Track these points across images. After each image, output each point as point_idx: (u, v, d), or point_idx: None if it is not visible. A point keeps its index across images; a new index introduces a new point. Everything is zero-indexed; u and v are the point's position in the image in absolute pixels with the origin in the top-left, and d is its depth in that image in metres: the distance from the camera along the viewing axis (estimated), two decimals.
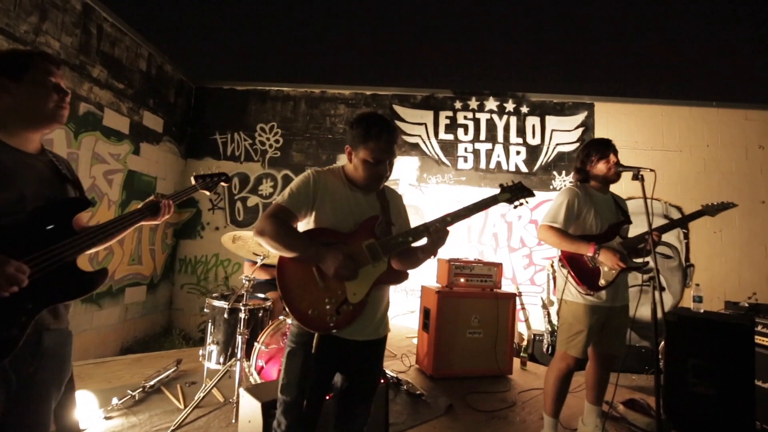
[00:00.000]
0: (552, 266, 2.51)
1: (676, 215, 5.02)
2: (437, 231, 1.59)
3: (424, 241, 1.63)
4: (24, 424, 1.19)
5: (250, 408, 2.01)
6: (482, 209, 1.71)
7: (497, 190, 1.82)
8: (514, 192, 1.81)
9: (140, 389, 2.87)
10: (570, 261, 2.35)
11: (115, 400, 2.67)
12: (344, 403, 1.65)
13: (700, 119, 5.23)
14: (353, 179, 1.64)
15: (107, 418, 2.55)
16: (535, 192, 1.91)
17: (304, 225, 1.62)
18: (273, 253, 1.60)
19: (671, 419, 2.88)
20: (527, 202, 1.85)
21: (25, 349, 1.09)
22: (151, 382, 2.98)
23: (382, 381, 2.28)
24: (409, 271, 1.71)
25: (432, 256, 1.66)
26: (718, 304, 4.47)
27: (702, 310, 3.13)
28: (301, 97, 5.70)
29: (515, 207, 1.85)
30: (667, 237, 5.04)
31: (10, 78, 1.20)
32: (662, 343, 3.20)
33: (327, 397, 1.65)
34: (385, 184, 1.76)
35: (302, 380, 1.52)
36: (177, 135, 5.46)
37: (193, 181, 1.88)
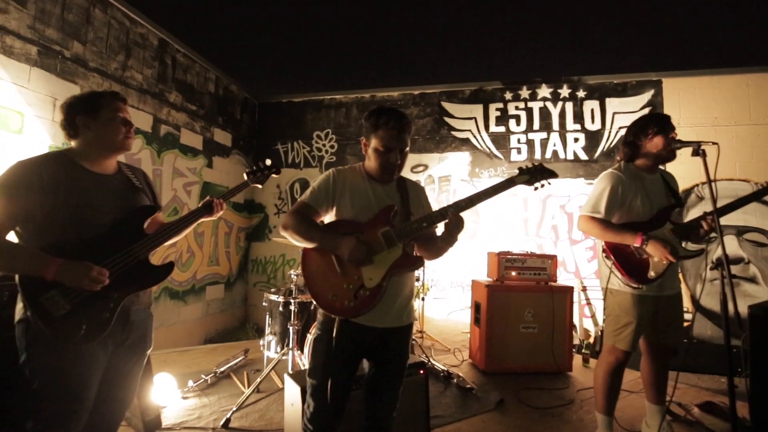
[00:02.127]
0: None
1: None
2: (453, 217, 1.60)
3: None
4: (119, 377, 1.53)
5: (292, 392, 2.14)
6: (499, 192, 1.69)
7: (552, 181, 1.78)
8: (533, 174, 1.76)
9: (212, 374, 3.24)
10: (615, 251, 2.16)
11: (190, 383, 3.06)
12: (372, 389, 1.71)
13: None
14: (370, 172, 1.71)
15: (184, 398, 2.92)
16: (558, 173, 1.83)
17: (327, 219, 1.72)
18: (297, 245, 1.73)
19: (760, 427, 2.55)
20: (549, 184, 1.78)
21: (118, 322, 1.44)
22: (222, 369, 3.35)
23: (422, 372, 2.29)
24: (436, 259, 1.75)
25: (452, 243, 1.67)
26: None
27: None
28: (352, 102, 5.95)
29: (536, 189, 1.79)
30: (759, 221, 4.43)
31: (88, 116, 1.48)
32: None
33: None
34: (409, 179, 1.82)
35: (327, 364, 1.61)
36: (244, 147, 6.02)
37: (245, 177, 2.01)
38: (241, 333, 5.51)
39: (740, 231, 4.46)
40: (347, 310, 1.57)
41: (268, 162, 2.06)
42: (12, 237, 1.39)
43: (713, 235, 2.03)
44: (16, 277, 1.32)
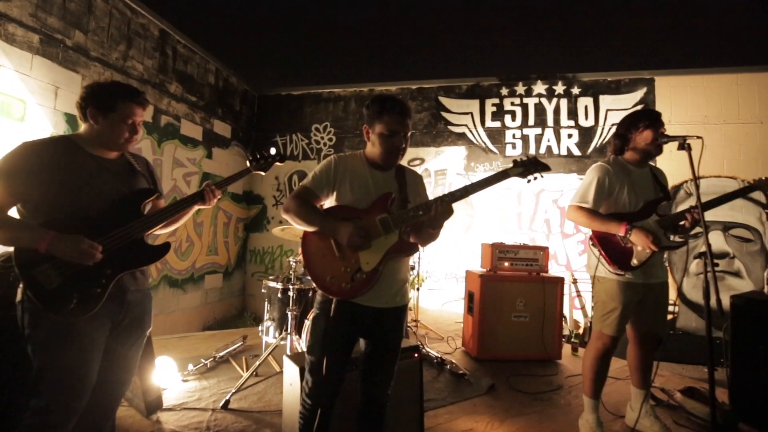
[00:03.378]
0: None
1: (757, 195, 4.50)
2: (441, 205, 1.65)
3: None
4: (118, 357, 1.58)
5: (291, 372, 2.21)
6: (492, 183, 1.74)
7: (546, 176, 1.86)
8: (527, 166, 1.82)
9: (212, 359, 3.32)
10: (601, 240, 2.26)
11: (190, 366, 3.14)
12: (368, 366, 1.78)
13: None
14: (372, 159, 1.78)
15: (184, 381, 3.01)
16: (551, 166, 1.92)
17: (327, 204, 1.79)
18: (298, 228, 1.80)
19: (739, 411, 2.66)
20: (542, 177, 1.85)
21: (114, 301, 1.49)
22: (221, 353, 3.43)
23: (416, 355, 2.37)
24: (428, 245, 1.84)
25: (437, 229, 1.73)
26: None
27: None
28: (350, 96, 6.01)
29: (528, 181, 1.85)
30: (745, 218, 4.56)
31: (99, 111, 1.53)
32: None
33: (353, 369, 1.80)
34: (408, 167, 1.89)
35: (324, 341, 1.68)
36: (243, 139, 6.07)
37: (247, 164, 2.03)
38: (239, 321, 5.59)
39: (726, 226, 4.59)
40: (344, 291, 1.65)
41: (273, 151, 2.09)
42: (14, 213, 1.46)
43: (698, 229, 2.12)
44: (13, 252, 1.38)
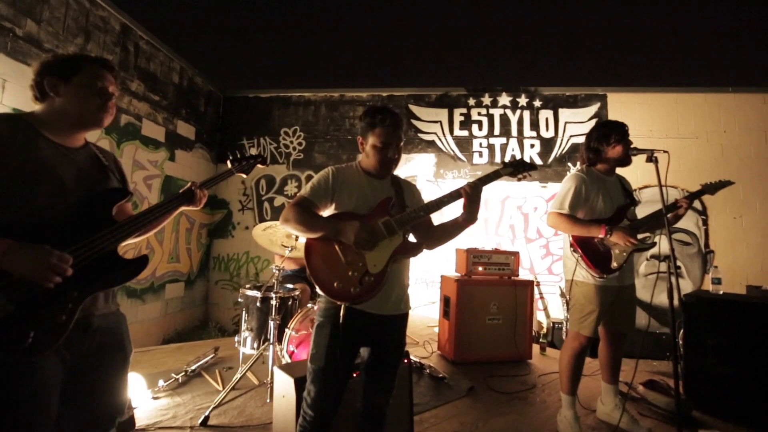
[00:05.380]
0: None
1: (695, 203, 5.00)
2: (473, 191, 1.72)
3: (439, 214, 1.78)
4: (93, 385, 1.27)
5: (283, 384, 2.15)
6: (486, 184, 1.80)
7: (511, 180, 1.97)
8: (517, 167, 1.93)
9: (183, 373, 3.14)
10: (581, 245, 2.40)
11: (161, 383, 2.95)
12: (370, 375, 1.78)
13: (716, 105, 5.20)
14: (367, 168, 1.81)
15: (155, 398, 2.82)
16: (537, 166, 2.03)
17: (326, 215, 1.76)
18: (300, 237, 1.77)
19: (693, 399, 2.92)
20: (530, 175, 1.97)
21: (75, 330, 1.15)
22: (193, 367, 3.25)
23: (405, 361, 2.38)
24: (427, 252, 1.85)
25: (473, 221, 1.76)
26: (741, 290, 4.45)
27: (721, 293, 3.15)
28: (321, 101, 5.97)
29: (519, 180, 1.96)
30: (684, 223, 5.04)
31: (60, 78, 1.25)
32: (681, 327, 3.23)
33: (354, 375, 1.79)
34: (402, 178, 1.92)
35: (329, 350, 1.65)
36: (208, 142, 5.81)
37: (229, 165, 1.84)
38: (203, 332, 5.32)
39: (670, 231, 5.06)
40: (353, 296, 1.63)
41: (254, 151, 2.02)
42: None
43: (649, 238, 2.37)
44: None
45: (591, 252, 2.38)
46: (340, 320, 1.63)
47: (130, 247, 4.24)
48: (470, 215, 1.75)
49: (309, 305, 3.18)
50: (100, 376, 1.28)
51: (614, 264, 2.35)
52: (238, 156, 1.86)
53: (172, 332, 5.07)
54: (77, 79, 1.26)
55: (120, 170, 1.49)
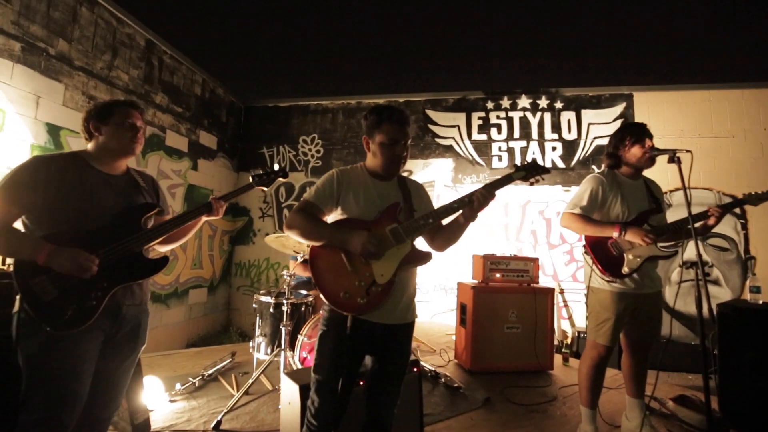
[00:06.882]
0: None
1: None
2: (485, 199, 1.67)
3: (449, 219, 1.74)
4: (109, 373, 1.58)
5: (290, 391, 2.14)
6: (497, 188, 1.73)
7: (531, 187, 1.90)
8: (529, 170, 1.85)
9: (200, 377, 3.20)
10: (593, 248, 2.32)
11: (178, 386, 3.03)
12: (375, 385, 1.72)
13: (755, 101, 4.86)
14: (374, 169, 1.76)
15: (172, 401, 2.89)
16: (550, 168, 1.93)
17: (331, 219, 1.73)
18: (304, 244, 1.75)
19: (729, 418, 2.72)
20: (543, 179, 1.89)
21: (108, 315, 1.51)
22: (209, 371, 3.32)
23: (415, 369, 2.33)
24: (439, 253, 1.81)
25: (473, 219, 1.71)
26: None
27: (761, 302, 2.94)
28: (338, 108, 6.02)
29: (531, 184, 1.88)
30: (721, 228, 4.74)
31: (99, 121, 1.62)
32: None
33: (361, 383, 1.74)
34: (417, 181, 1.89)
35: (333, 360, 1.62)
36: (229, 151, 5.98)
37: (250, 179, 2.05)
38: (224, 337, 5.43)
39: (705, 236, 4.76)
40: (360, 307, 1.57)
41: (276, 167, 2.13)
42: (19, 226, 1.49)
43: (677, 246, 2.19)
44: (13, 263, 1.43)
45: (602, 255, 2.30)
46: (347, 332, 1.58)
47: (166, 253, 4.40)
48: (472, 215, 1.69)
49: (321, 311, 3.17)
50: (115, 360, 1.59)
51: (625, 269, 2.25)
52: (261, 173, 2.08)
53: (195, 336, 5.21)
54: (112, 120, 1.62)
55: (156, 189, 1.83)
